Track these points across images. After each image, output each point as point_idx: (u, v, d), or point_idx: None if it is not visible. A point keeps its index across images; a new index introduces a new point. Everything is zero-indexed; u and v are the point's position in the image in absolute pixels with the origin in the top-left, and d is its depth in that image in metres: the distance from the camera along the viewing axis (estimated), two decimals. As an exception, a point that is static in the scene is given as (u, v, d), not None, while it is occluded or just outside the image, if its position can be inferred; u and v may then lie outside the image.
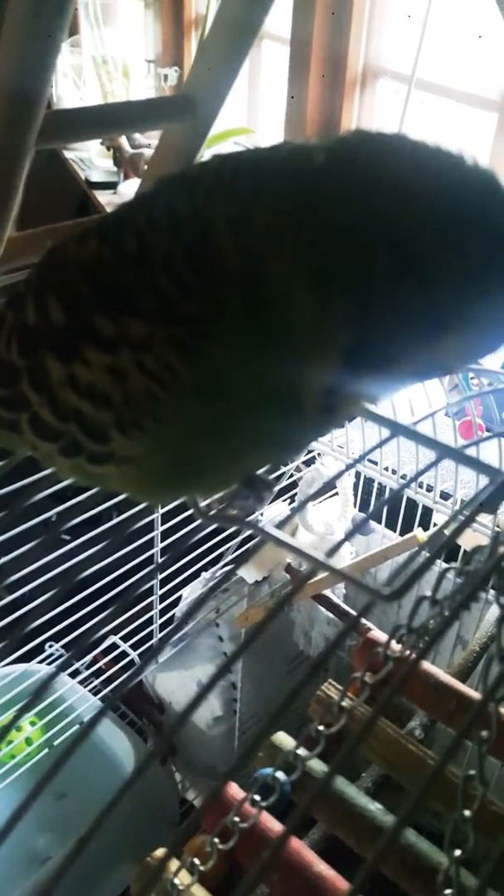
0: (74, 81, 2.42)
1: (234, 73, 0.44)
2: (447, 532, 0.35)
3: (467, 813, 0.34)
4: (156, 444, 0.33)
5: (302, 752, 0.46)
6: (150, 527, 0.91)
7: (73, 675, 1.08)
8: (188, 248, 0.31)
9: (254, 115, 2.01)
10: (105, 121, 0.45)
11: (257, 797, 0.40)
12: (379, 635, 0.51)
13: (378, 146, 0.30)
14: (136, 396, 0.32)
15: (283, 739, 0.49)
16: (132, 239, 0.32)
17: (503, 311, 0.30)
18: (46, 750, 0.97)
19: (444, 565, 0.90)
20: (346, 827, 0.45)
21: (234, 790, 0.45)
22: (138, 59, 2.35)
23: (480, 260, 0.28)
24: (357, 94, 1.59)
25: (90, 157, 2.26)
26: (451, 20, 1.35)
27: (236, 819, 0.39)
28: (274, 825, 0.43)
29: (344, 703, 0.44)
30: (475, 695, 0.51)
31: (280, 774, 0.45)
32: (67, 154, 2.32)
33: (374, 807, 0.46)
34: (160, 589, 1.01)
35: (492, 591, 0.35)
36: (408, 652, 0.47)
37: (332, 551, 0.31)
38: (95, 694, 1.06)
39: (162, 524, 0.92)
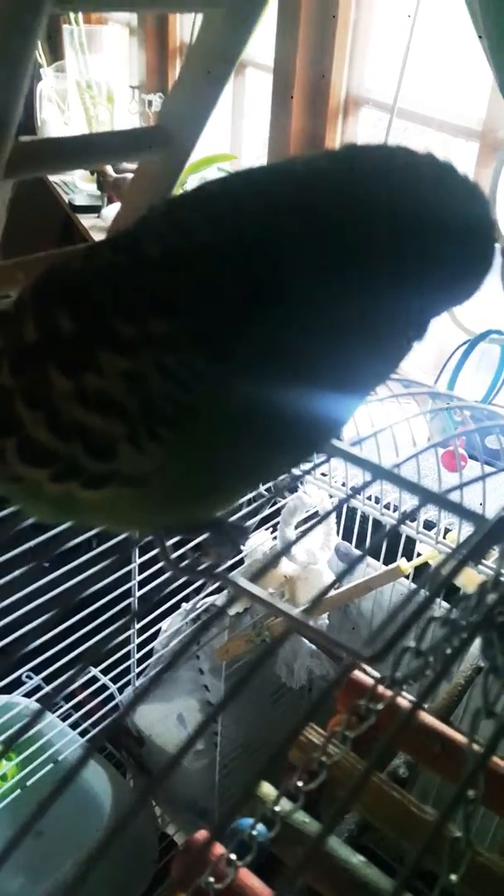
0: (59, 106, 2.43)
1: (210, 106, 0.44)
2: (437, 574, 0.34)
3: (454, 877, 0.32)
4: (169, 455, 0.32)
5: (283, 803, 0.44)
6: (128, 559, 0.90)
7: (52, 707, 1.05)
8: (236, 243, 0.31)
9: (237, 141, 2.02)
10: (77, 153, 0.44)
11: (233, 856, 0.38)
12: (363, 678, 0.50)
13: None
14: (154, 402, 0.31)
15: (265, 789, 0.47)
16: (155, 245, 0.32)
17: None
18: (19, 791, 0.94)
19: (443, 603, 0.88)
20: (327, 881, 0.43)
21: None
22: (123, 84, 2.36)
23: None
24: (340, 121, 1.60)
25: (74, 181, 2.27)
26: (434, 50, 1.37)
27: (211, 880, 0.37)
28: (253, 881, 0.41)
29: (324, 758, 0.42)
30: (462, 738, 0.49)
31: (260, 827, 0.43)
32: (51, 178, 2.32)
33: (356, 859, 0.44)
34: (141, 621, 0.99)
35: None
36: (396, 698, 0.46)
37: (313, 604, 0.29)
38: (74, 727, 1.04)
39: (140, 556, 0.90)
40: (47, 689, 0.99)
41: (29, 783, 0.95)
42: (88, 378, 0.31)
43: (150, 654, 1.05)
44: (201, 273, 0.30)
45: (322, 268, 0.29)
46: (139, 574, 0.92)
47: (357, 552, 1.00)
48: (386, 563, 0.95)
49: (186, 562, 0.35)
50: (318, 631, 0.28)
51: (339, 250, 0.29)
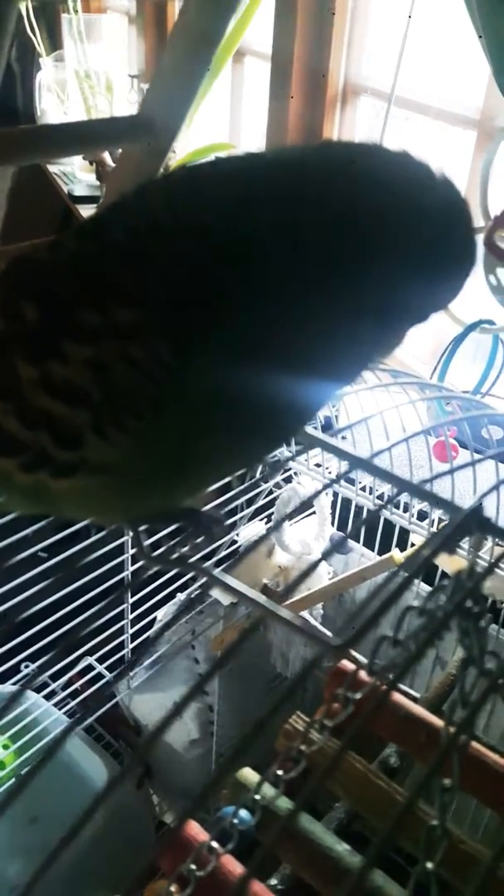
0: (58, 95, 2.43)
1: (192, 91, 0.43)
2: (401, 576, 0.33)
3: (430, 865, 0.33)
4: (135, 445, 0.32)
5: (267, 788, 0.45)
6: (121, 549, 0.90)
7: (49, 697, 1.06)
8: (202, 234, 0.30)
9: (235, 130, 2.01)
10: (58, 141, 0.44)
11: (215, 844, 0.38)
12: (350, 666, 0.50)
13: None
14: (118, 391, 0.31)
15: (249, 776, 0.47)
16: (121, 234, 0.32)
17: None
18: (13, 780, 0.95)
19: (424, 589, 0.88)
20: (311, 868, 0.44)
21: (195, 830, 0.43)
22: (122, 73, 2.35)
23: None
24: (338, 110, 1.60)
25: (73, 172, 2.26)
26: (431, 38, 1.36)
27: (193, 867, 0.37)
28: (236, 868, 0.41)
29: (303, 746, 0.42)
30: (451, 728, 0.49)
31: (244, 813, 0.44)
32: (51, 168, 2.32)
33: (341, 847, 0.44)
34: (136, 611, 0.99)
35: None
36: (379, 684, 0.46)
37: (291, 588, 0.29)
38: (71, 716, 1.04)
39: (133, 546, 0.90)
40: (41, 675, 0.99)
41: (25, 771, 0.96)
42: (54, 366, 0.31)
43: (145, 644, 1.05)
44: (165, 263, 0.30)
45: (287, 261, 0.29)
46: (133, 564, 0.92)
47: (351, 542, 1.00)
48: (381, 553, 0.95)
49: (160, 551, 0.35)
50: (291, 621, 0.28)
51: (305, 243, 0.29)
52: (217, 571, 0.30)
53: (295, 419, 0.35)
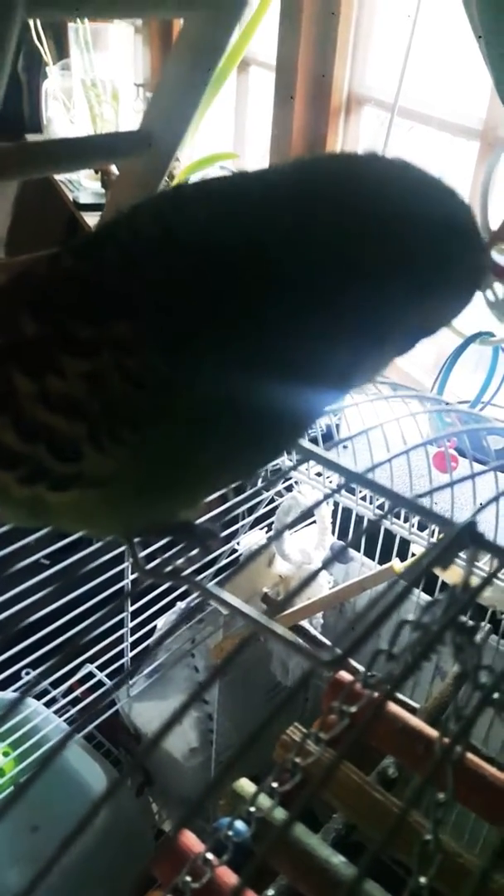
0: (64, 104, 2.44)
1: (192, 108, 0.44)
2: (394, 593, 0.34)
3: (423, 880, 0.33)
4: (131, 457, 0.32)
5: (263, 800, 0.45)
6: (122, 558, 0.90)
7: (49, 704, 1.06)
8: (195, 252, 0.30)
9: (240, 140, 2.02)
10: (61, 157, 0.44)
11: (209, 856, 0.38)
12: (347, 678, 0.50)
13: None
14: (115, 404, 0.31)
15: (246, 787, 0.47)
16: (114, 250, 0.32)
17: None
18: (12, 787, 0.94)
19: (424, 600, 0.88)
20: (307, 881, 0.44)
21: (192, 841, 0.43)
22: (128, 82, 2.36)
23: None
24: (342, 120, 1.60)
25: (78, 179, 2.27)
26: (435, 49, 1.36)
27: (188, 879, 0.37)
28: (231, 879, 0.41)
29: (298, 759, 0.42)
30: (445, 740, 0.49)
31: (240, 824, 0.44)
32: (56, 176, 2.33)
33: (337, 860, 0.44)
34: (136, 619, 0.99)
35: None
36: (375, 696, 0.46)
37: (287, 599, 0.29)
38: (71, 724, 1.04)
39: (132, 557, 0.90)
40: (42, 683, 0.99)
41: (24, 779, 0.96)
42: (51, 380, 0.32)
43: (145, 652, 1.06)
44: (159, 279, 0.30)
45: (283, 279, 0.29)
46: (133, 573, 0.92)
47: (352, 552, 1.00)
48: (381, 563, 0.95)
49: (154, 563, 0.35)
50: (283, 636, 0.28)
51: (300, 262, 0.29)
52: (211, 585, 0.31)
53: (291, 432, 0.35)
